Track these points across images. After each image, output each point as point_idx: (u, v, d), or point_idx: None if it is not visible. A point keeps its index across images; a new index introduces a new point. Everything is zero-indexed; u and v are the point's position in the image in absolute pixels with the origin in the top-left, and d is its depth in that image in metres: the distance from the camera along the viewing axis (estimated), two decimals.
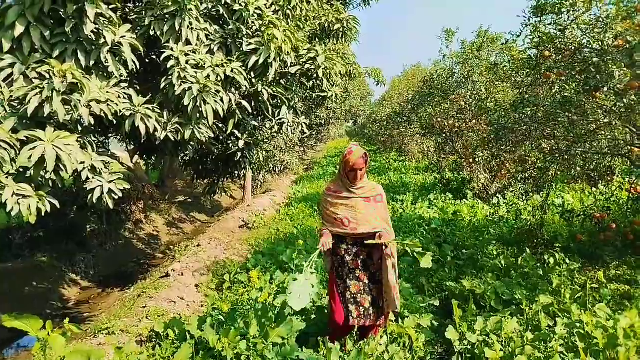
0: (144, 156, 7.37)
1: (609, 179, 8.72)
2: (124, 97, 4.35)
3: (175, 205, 14.46)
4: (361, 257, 3.58)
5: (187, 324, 4.43)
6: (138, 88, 4.84)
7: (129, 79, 4.78)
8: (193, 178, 8.59)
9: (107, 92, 4.10)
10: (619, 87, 4.60)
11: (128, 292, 7.07)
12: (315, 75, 5.95)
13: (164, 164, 15.26)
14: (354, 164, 3.46)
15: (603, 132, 5.96)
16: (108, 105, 4.01)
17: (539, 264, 5.56)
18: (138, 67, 4.56)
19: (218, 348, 3.64)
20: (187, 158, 8.17)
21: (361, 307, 3.58)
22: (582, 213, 7.02)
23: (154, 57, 5.57)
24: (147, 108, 4.42)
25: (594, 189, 9.38)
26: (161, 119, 4.60)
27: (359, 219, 3.48)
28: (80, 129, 4.14)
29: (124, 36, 4.27)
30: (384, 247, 3.45)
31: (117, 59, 4.31)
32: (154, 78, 5.59)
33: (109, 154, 4.87)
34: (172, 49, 4.64)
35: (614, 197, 7.48)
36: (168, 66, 4.54)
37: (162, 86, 4.62)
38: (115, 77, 4.31)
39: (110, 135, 6.84)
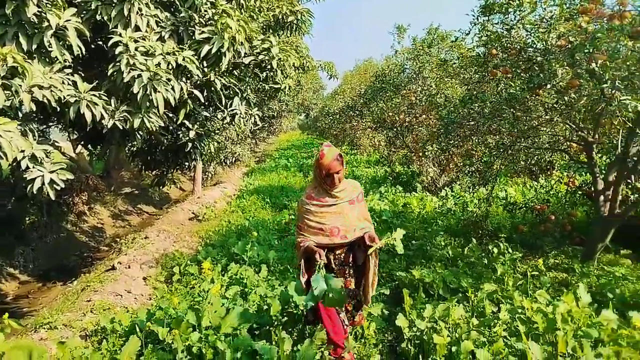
0: (89, 146, 7.11)
1: (549, 173, 9.17)
2: (69, 83, 4.17)
3: (121, 197, 14.01)
4: (349, 263, 3.36)
5: (135, 317, 4.32)
6: (82, 75, 4.64)
7: (73, 64, 4.58)
8: (141, 169, 8.38)
9: (51, 77, 3.92)
10: (561, 85, 4.82)
11: (71, 286, 6.81)
12: (269, 67, 5.91)
13: (110, 154, 14.74)
14: (329, 167, 3.13)
15: (544, 128, 6.24)
16: (51, 91, 3.84)
17: (483, 254, 5.79)
18: (83, 52, 4.37)
19: (168, 340, 3.58)
20: (135, 148, 7.94)
21: (348, 313, 3.45)
22: (523, 205, 7.35)
23: (100, 42, 5.36)
24: (94, 95, 4.26)
25: (534, 183, 9.83)
26: (108, 106, 4.44)
27: (348, 225, 3.23)
28: (20, 115, 3.94)
29: (69, 20, 4.09)
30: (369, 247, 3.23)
31: (61, 43, 4.12)
32: (99, 65, 5.39)
33: (51, 142, 4.66)
34: (120, 35, 4.48)
35: (553, 190, 7.87)
36: (116, 52, 4.38)
37: (109, 73, 4.46)
38: (59, 62, 4.12)
39: (51, 123, 6.54)
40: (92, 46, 5.18)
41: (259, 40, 5.77)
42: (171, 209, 12.43)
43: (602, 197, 5.57)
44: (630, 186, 6.00)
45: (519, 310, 3.90)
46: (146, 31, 4.73)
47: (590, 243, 5.65)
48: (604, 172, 5.82)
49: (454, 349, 3.42)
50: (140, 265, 6.79)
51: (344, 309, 3.37)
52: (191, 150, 7.23)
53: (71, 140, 12.23)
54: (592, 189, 6.01)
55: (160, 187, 8.42)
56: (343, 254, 3.32)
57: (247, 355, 3.25)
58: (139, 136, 5.80)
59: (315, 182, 3.32)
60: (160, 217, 11.71)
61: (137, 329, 3.93)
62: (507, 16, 5.70)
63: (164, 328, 3.70)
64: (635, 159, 5.37)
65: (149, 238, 8.40)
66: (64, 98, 4.04)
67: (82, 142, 6.84)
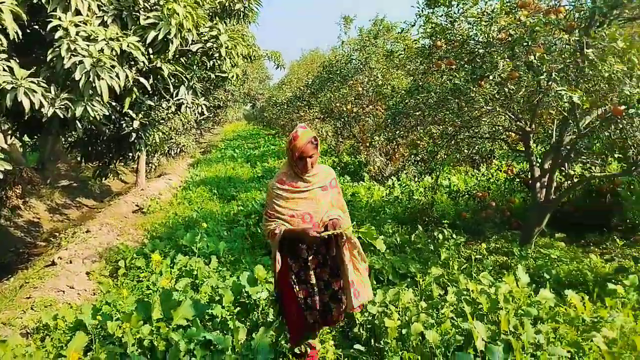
0: (25, 136, 6.73)
1: (489, 162, 9.57)
2: (4, 69, 3.94)
3: (58, 190, 13.39)
4: (322, 252, 3.12)
5: (79, 312, 4.18)
6: (18, 60, 4.38)
7: (8, 49, 4.31)
8: (81, 160, 8.01)
9: None
10: (502, 77, 5.04)
11: (7, 283, 6.48)
12: (217, 55, 5.81)
13: (45, 145, 14.04)
14: (302, 151, 2.92)
15: (485, 119, 6.51)
16: None
17: (429, 240, 5.98)
18: (20, 36, 4.13)
19: (118, 334, 3.48)
20: (74, 139, 7.60)
21: (315, 311, 3.14)
22: (466, 193, 7.65)
23: (37, 27, 5.07)
24: (32, 82, 4.04)
25: (476, 171, 10.23)
26: (48, 94, 4.22)
27: (320, 212, 3.03)
28: None
29: (4, 2, 3.84)
30: (340, 237, 3.04)
31: None
32: (37, 50, 5.11)
33: None
34: (60, 19, 4.26)
35: (493, 178, 8.23)
36: (56, 37, 4.16)
37: (48, 59, 4.23)
38: None
39: None
40: (29, 30, 4.89)
41: (206, 27, 5.65)
42: (113, 201, 12.03)
43: (538, 184, 5.88)
44: (563, 173, 6.38)
45: (464, 292, 4.07)
46: (87, 15, 4.52)
47: (528, 227, 5.96)
48: (540, 160, 6.14)
49: (404, 331, 3.53)
50: (83, 260, 6.56)
51: (319, 302, 3.12)
52: (135, 141, 6.99)
53: (2, 131, 11.54)
54: (529, 176, 6.33)
55: (104, 179, 8.10)
56: (317, 244, 3.07)
57: (201, 346, 3.23)
58: (79, 126, 5.54)
59: (287, 166, 3.12)
60: (101, 210, 11.30)
61: (86, 324, 3.80)
62: (450, 9, 5.87)
63: (113, 322, 3.60)
64: (568, 147, 5.71)
65: (90, 232, 8.10)
66: (0, 85, 3.81)
67: (18, 133, 6.45)
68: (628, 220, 6.38)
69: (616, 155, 5.78)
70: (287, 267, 3.09)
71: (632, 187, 6.49)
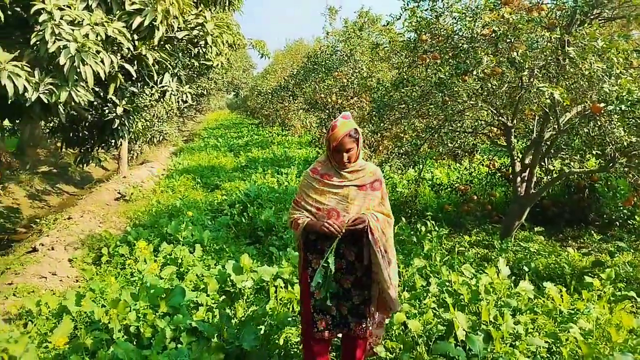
0: (5, 121, 6.61)
1: (472, 156, 9.70)
2: None
3: (38, 176, 13.19)
4: (348, 258, 2.78)
5: (64, 299, 4.17)
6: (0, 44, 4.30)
7: None
8: (62, 146, 7.89)
9: None
10: (486, 72, 5.11)
11: None
12: (203, 43, 5.77)
13: (24, 130, 13.80)
14: (339, 143, 2.64)
15: (468, 113, 6.60)
16: None
17: (412, 232, 6.07)
18: (2, 20, 4.05)
19: (104, 321, 3.49)
20: (55, 124, 7.47)
21: (328, 316, 2.79)
22: (449, 186, 7.76)
23: (18, 9, 4.97)
24: (15, 65, 3.97)
25: (458, 165, 10.36)
26: (32, 78, 4.16)
27: (351, 212, 2.70)
28: None
29: None
30: (366, 234, 2.69)
31: None
32: (12, 33, 5.01)
33: None
34: (43, 2, 4.18)
35: (475, 172, 8.36)
36: (40, 20, 4.09)
37: (32, 42, 4.16)
38: None
39: None
40: (9, 13, 4.78)
41: (192, 14, 5.60)
42: (95, 188, 11.90)
43: (519, 179, 6.00)
44: (543, 168, 6.51)
45: (447, 284, 4.16)
46: None
47: (508, 221, 6.09)
48: (521, 155, 6.26)
49: (387, 321, 3.60)
50: (65, 247, 6.51)
51: (336, 307, 2.79)
52: (119, 127, 6.90)
53: None
54: (510, 171, 6.45)
55: (86, 165, 8.00)
56: (343, 245, 2.73)
57: (187, 333, 3.25)
58: (62, 111, 5.46)
59: (325, 156, 2.85)
60: (82, 197, 11.18)
61: (70, 310, 3.80)
62: (435, 3, 5.92)
63: (99, 308, 3.60)
64: (548, 143, 5.83)
65: (72, 219, 8.03)
66: None
67: None
68: (605, 216, 6.56)
69: (594, 152, 5.92)
70: (306, 262, 2.84)
71: (609, 183, 6.67)
